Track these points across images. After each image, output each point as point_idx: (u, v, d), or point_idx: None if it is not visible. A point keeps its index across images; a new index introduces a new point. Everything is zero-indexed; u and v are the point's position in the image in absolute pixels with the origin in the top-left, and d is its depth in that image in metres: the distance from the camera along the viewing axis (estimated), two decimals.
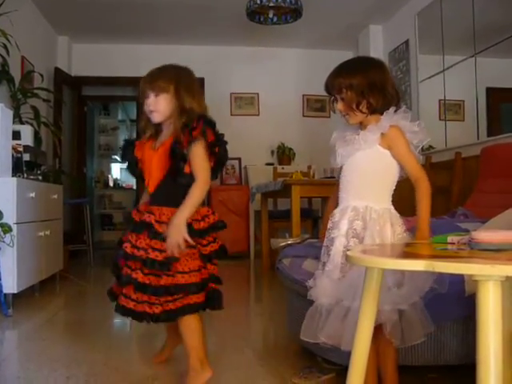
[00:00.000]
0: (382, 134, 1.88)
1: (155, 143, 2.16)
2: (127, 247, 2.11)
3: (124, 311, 2.13)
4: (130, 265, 2.10)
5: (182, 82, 2.13)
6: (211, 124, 2.10)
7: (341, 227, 1.91)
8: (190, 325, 2.15)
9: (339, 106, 1.95)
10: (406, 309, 1.78)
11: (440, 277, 1.77)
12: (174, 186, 2.08)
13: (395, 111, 1.92)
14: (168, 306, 2.07)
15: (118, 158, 8.64)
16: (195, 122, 2.05)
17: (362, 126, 1.96)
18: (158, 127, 2.19)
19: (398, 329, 1.79)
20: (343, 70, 1.97)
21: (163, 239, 2.04)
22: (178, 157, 2.04)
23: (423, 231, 1.85)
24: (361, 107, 1.91)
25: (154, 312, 2.07)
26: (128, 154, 2.23)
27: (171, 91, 2.11)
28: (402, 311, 1.78)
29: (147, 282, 2.06)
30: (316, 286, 1.93)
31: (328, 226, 1.97)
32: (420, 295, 1.79)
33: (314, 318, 1.89)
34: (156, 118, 2.14)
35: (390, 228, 1.87)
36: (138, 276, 2.06)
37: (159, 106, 2.11)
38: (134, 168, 2.22)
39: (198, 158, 2.06)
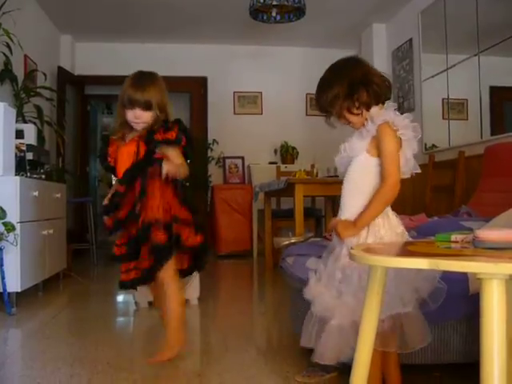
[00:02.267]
0: (373, 137, 1.84)
1: (124, 139, 2.45)
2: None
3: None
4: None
5: (163, 97, 2.43)
6: (186, 131, 2.44)
7: (333, 240, 1.94)
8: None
9: (340, 120, 1.94)
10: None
11: (435, 291, 1.77)
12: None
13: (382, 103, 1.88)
14: None
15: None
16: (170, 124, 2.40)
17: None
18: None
19: (385, 337, 1.76)
20: (322, 88, 1.96)
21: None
22: (152, 143, 2.37)
23: (349, 224, 1.84)
24: (353, 111, 1.88)
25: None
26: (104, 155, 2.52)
27: (156, 108, 2.37)
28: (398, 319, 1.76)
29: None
30: (309, 286, 1.95)
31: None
32: (405, 308, 1.77)
33: (307, 323, 1.91)
34: (140, 127, 2.40)
35: (373, 238, 1.82)
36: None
37: (146, 119, 2.37)
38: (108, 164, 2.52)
39: (176, 157, 2.43)
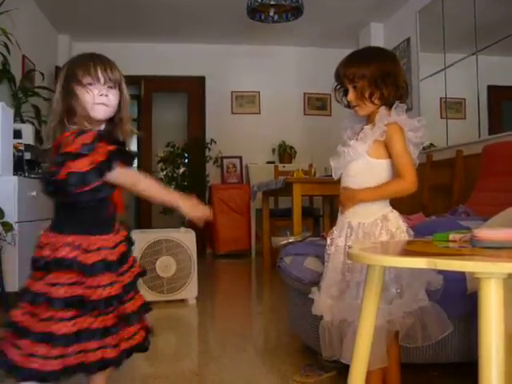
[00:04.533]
0: (376, 141, 1.84)
1: None
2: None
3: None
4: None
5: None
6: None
7: (339, 244, 1.90)
8: None
9: (350, 95, 1.90)
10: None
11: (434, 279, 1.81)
12: None
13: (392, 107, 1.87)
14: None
15: None
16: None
17: (369, 118, 1.93)
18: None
19: (411, 333, 1.80)
20: (356, 59, 1.93)
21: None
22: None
23: (355, 192, 1.86)
24: (373, 98, 1.87)
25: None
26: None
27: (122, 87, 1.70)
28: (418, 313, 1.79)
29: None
30: (316, 302, 1.94)
31: (327, 243, 1.96)
32: (420, 302, 1.80)
33: (323, 336, 1.90)
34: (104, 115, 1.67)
35: (386, 235, 1.83)
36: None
37: (114, 101, 1.67)
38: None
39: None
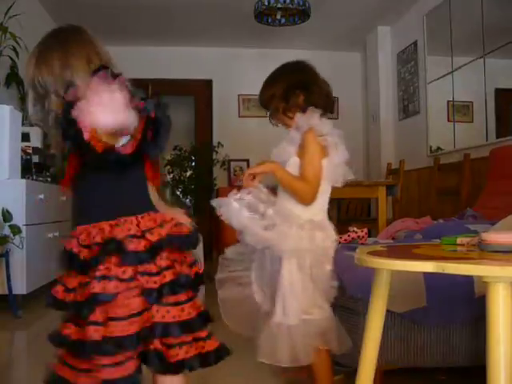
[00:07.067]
0: (299, 145, 1.86)
1: None
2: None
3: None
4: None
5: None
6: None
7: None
8: None
9: (272, 117, 1.97)
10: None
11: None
12: None
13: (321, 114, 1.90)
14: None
15: None
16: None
17: None
18: None
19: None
20: (266, 83, 2.02)
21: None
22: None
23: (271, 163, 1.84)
24: (288, 112, 1.91)
25: None
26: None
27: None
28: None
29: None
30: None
31: None
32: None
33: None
34: None
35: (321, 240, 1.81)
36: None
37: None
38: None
39: None
